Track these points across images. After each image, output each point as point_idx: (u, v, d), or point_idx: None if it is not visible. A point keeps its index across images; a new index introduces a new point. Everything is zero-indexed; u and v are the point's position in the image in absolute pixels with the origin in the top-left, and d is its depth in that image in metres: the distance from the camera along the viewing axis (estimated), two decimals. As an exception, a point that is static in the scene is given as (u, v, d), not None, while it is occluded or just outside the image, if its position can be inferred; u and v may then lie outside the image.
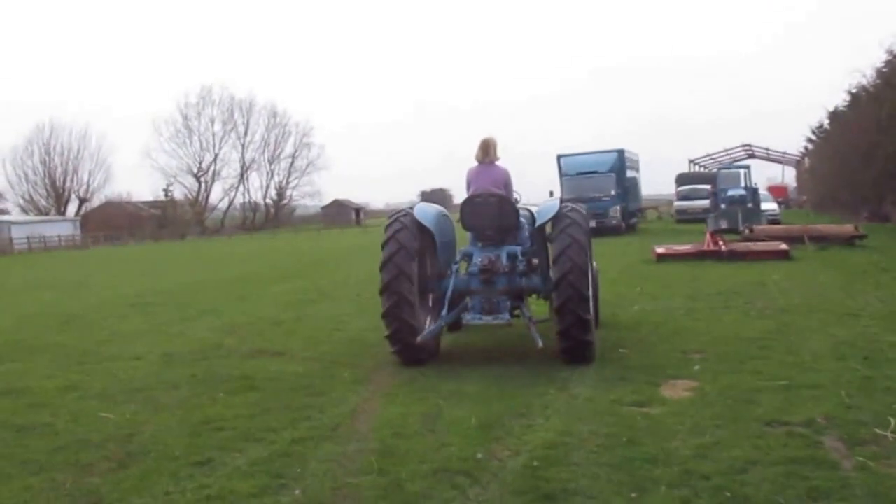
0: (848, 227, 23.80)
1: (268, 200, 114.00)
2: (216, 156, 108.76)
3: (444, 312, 9.37)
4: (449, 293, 9.45)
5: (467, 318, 9.53)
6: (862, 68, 48.93)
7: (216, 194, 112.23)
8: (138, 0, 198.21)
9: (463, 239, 10.38)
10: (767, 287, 15.05)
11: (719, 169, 37.87)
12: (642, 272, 18.52)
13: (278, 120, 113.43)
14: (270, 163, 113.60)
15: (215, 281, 23.57)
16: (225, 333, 12.60)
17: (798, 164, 79.58)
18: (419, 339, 9.10)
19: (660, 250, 20.84)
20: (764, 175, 78.93)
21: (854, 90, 51.97)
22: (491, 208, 9.67)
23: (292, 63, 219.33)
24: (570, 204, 9.63)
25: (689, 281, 16.44)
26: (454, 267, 9.77)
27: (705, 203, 43.95)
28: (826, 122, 63.91)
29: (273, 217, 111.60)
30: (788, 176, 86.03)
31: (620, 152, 38.13)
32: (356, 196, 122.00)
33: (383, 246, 9.44)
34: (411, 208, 9.78)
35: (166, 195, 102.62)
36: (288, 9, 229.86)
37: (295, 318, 13.93)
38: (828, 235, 23.04)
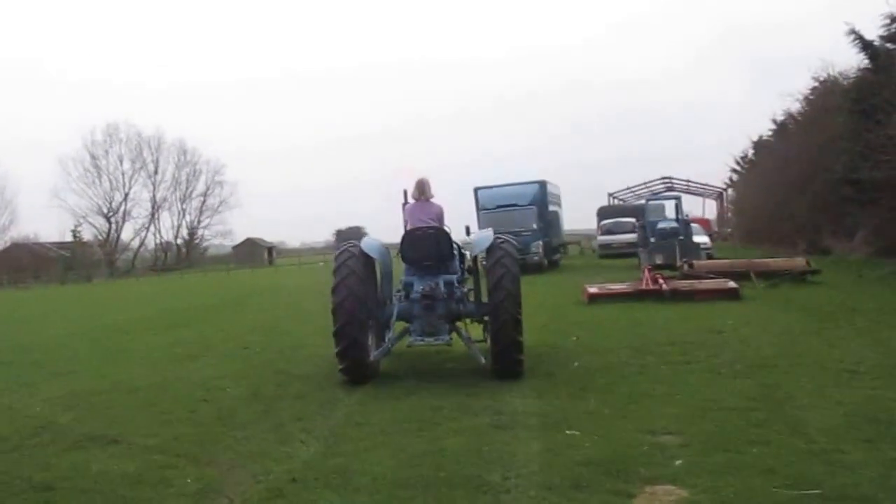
0: (799, 262, 22.13)
1: (179, 240, 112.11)
2: (126, 195, 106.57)
3: (390, 335, 10.99)
4: (394, 318, 10.88)
5: (410, 339, 10.69)
6: (791, 95, 48.29)
7: (127, 234, 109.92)
8: (31, 35, 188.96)
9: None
10: (726, 334, 13.05)
11: (647, 200, 36.17)
12: (575, 317, 16.35)
13: (188, 158, 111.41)
14: (182, 202, 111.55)
15: (93, 330, 20.90)
16: (64, 407, 10.05)
17: (719, 196, 79.51)
18: (372, 357, 10.48)
19: (592, 290, 18.71)
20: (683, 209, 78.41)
21: (781, 118, 51.88)
22: (430, 240, 10.85)
23: (200, 98, 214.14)
24: (502, 237, 10.75)
25: (631, 327, 14.32)
26: (398, 294, 11.09)
27: (630, 237, 42.49)
28: (751, 151, 64.02)
29: (185, 257, 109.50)
30: (709, 209, 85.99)
31: (542, 184, 36.25)
32: (269, 235, 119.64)
33: (335, 272, 10.51)
34: (356, 243, 10.93)
35: (74, 236, 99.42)
36: (195, 40, 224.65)
37: (160, 382, 11.39)
38: (777, 271, 21.29)
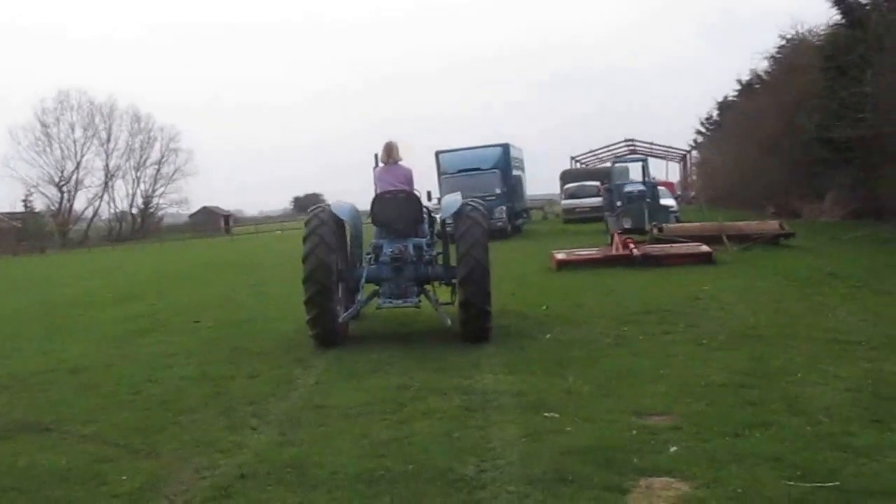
0: (772, 224, 21.72)
1: (134, 209, 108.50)
2: (78, 164, 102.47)
3: (359, 297, 11.03)
4: (363, 280, 10.98)
5: (379, 302, 10.95)
6: (758, 53, 48.02)
7: (80, 204, 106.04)
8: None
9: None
10: (704, 301, 12.55)
11: (613, 163, 35.52)
12: (544, 284, 15.76)
13: (142, 125, 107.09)
14: (136, 170, 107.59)
15: (42, 304, 19.83)
16: (-1, 390, 9.23)
17: (682, 159, 79.32)
18: (340, 319, 10.61)
19: (560, 256, 18.12)
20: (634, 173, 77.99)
21: (747, 78, 51.54)
22: (400, 204, 11.03)
23: (153, 64, 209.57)
24: (470, 202, 10.84)
25: (604, 295, 13.76)
26: (367, 257, 11.31)
27: (595, 201, 41.96)
28: (716, 112, 63.77)
29: (140, 227, 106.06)
30: (672, 172, 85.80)
31: (505, 147, 35.50)
32: (227, 203, 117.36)
33: (305, 240, 10.56)
34: (328, 205, 11.15)
35: (26, 206, 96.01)
36: (147, 6, 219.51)
37: (105, 361, 10.63)
38: (750, 234, 20.82)
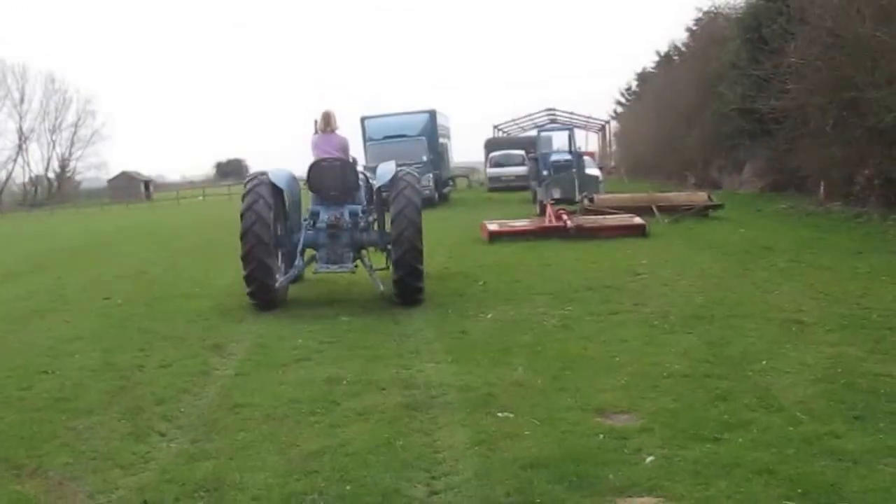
0: (701, 196, 21.19)
1: (50, 174, 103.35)
2: None
3: (297, 262, 11.07)
4: (300, 246, 11.06)
5: (316, 267, 11.10)
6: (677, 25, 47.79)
7: None
8: None
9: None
10: (645, 277, 11.87)
11: (539, 132, 34.73)
12: (476, 257, 14.88)
13: (57, 86, 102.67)
14: (51, 133, 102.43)
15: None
16: None
17: (601, 129, 79.17)
18: (277, 284, 10.61)
19: (492, 227, 17.27)
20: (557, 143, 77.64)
21: (667, 50, 51.27)
22: (335, 171, 11.11)
23: (65, 25, 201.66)
24: (404, 168, 11.16)
25: (540, 269, 12.98)
26: (305, 223, 11.18)
27: (520, 170, 41.28)
28: (635, 83, 63.54)
29: (57, 192, 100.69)
30: (592, 142, 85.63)
31: (432, 114, 34.35)
32: (147, 168, 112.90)
33: (243, 198, 10.68)
34: (264, 173, 10.92)
35: None
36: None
37: (-3, 346, 9.37)
38: (679, 206, 20.26)
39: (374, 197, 11.59)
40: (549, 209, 17.88)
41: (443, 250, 15.63)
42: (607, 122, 75.82)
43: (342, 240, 10.98)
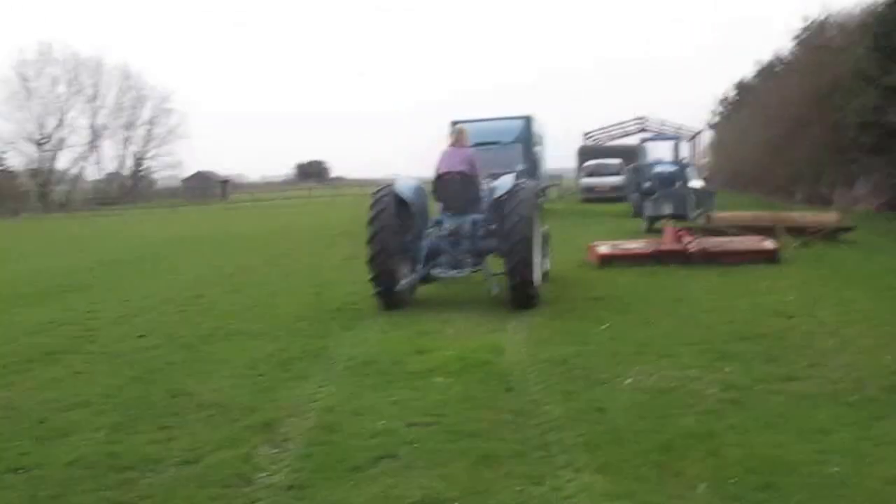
0: (831, 217, 18.40)
1: (124, 172, 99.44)
2: (61, 120, 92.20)
3: (419, 267, 11.64)
4: (424, 251, 11.64)
5: (437, 272, 11.61)
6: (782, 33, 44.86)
7: (64, 164, 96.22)
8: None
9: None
10: (800, 321, 9.46)
11: (642, 140, 32.03)
12: (589, 287, 12.48)
13: (132, 82, 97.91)
14: (126, 130, 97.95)
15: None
16: None
17: (692, 139, 75.72)
18: (398, 286, 11.22)
19: (603, 250, 14.85)
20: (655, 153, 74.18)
21: (770, 59, 48.08)
22: (456, 184, 11.79)
23: (144, 20, 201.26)
24: (522, 182, 11.64)
25: (671, 306, 10.60)
26: (428, 231, 11.87)
27: (615, 180, 38.68)
28: (732, 93, 60.25)
29: (130, 190, 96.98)
30: (682, 152, 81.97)
31: (527, 119, 31.69)
32: (225, 168, 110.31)
33: (371, 206, 11.27)
34: (392, 183, 11.66)
35: None
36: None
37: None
38: (807, 227, 17.58)
39: (495, 207, 11.70)
40: (668, 230, 15.43)
41: (551, 277, 13.29)
42: (700, 131, 72.48)
43: (463, 246, 11.60)
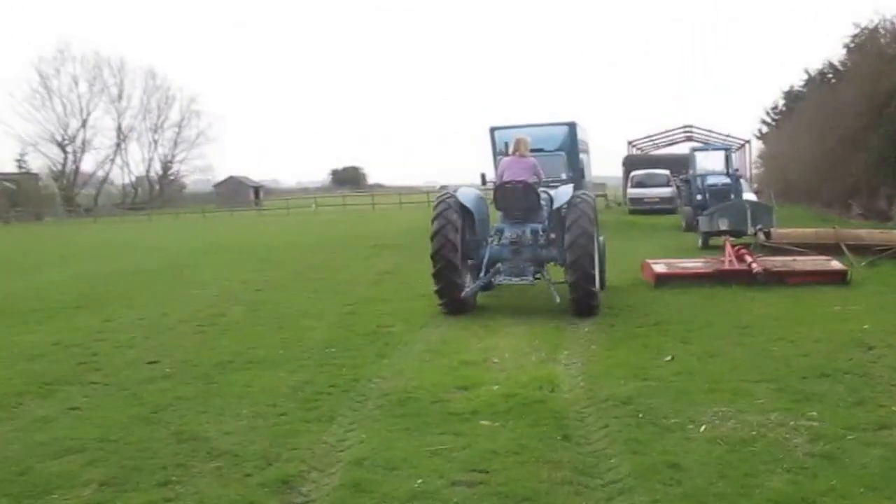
0: (897, 235, 17.37)
1: (152, 175, 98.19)
2: (84, 121, 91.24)
3: (482, 274, 11.95)
4: (486, 260, 11.94)
5: (499, 279, 11.89)
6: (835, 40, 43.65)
7: (89, 167, 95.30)
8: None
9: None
10: (882, 353, 8.65)
11: (693, 150, 31.08)
12: (645, 309, 11.76)
13: (158, 83, 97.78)
14: (153, 132, 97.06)
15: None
16: None
17: (741, 149, 74.27)
18: (463, 294, 11.65)
19: (659, 268, 14.05)
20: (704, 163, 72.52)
21: (821, 68, 46.78)
22: (518, 193, 12.09)
23: (170, 20, 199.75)
24: (581, 193, 12.03)
25: (737, 335, 9.79)
26: (489, 239, 12.19)
27: (664, 191, 37.77)
28: (781, 102, 58.89)
29: (158, 195, 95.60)
30: (721, 163, 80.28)
31: (572, 126, 30.66)
32: (259, 173, 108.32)
33: (433, 221, 11.74)
34: (455, 191, 12.17)
35: (20, 166, 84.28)
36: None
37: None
38: (873, 245, 16.61)
39: (554, 216, 12.14)
40: (728, 247, 14.59)
41: (603, 297, 12.57)
42: (747, 141, 70.98)
43: (524, 255, 11.90)
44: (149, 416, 7.22)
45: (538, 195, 12.20)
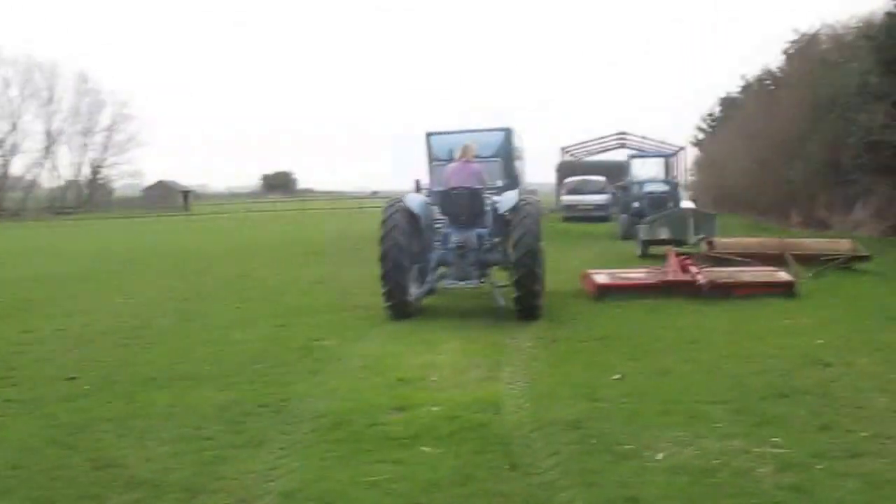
0: (844, 244, 17.34)
1: (81, 179, 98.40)
2: (14, 125, 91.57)
3: (429, 278, 12.58)
4: (432, 264, 12.56)
5: (445, 282, 12.51)
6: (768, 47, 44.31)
7: (18, 171, 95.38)
8: None
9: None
10: (840, 371, 8.44)
11: (630, 157, 31.09)
12: (588, 323, 11.39)
13: (90, 87, 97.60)
14: (83, 136, 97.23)
15: None
16: None
17: (669, 157, 75.01)
18: (412, 297, 12.19)
19: (601, 279, 13.71)
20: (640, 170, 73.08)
21: (759, 74, 47.43)
22: (464, 199, 12.50)
23: (102, 24, 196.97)
24: (526, 197, 12.48)
25: (687, 351, 9.46)
26: (437, 243, 12.68)
27: (599, 199, 37.88)
28: (717, 109, 59.65)
29: (87, 199, 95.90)
30: (660, 170, 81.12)
31: (508, 132, 30.53)
32: (189, 178, 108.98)
33: (382, 224, 12.03)
34: (401, 200, 12.44)
35: None
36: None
37: None
38: (819, 255, 16.57)
39: (499, 221, 12.63)
40: (672, 258, 14.32)
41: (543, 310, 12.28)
42: (682, 148, 71.75)
43: (470, 259, 12.24)
44: (65, 440, 6.67)
45: (483, 200, 12.58)
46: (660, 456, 5.89)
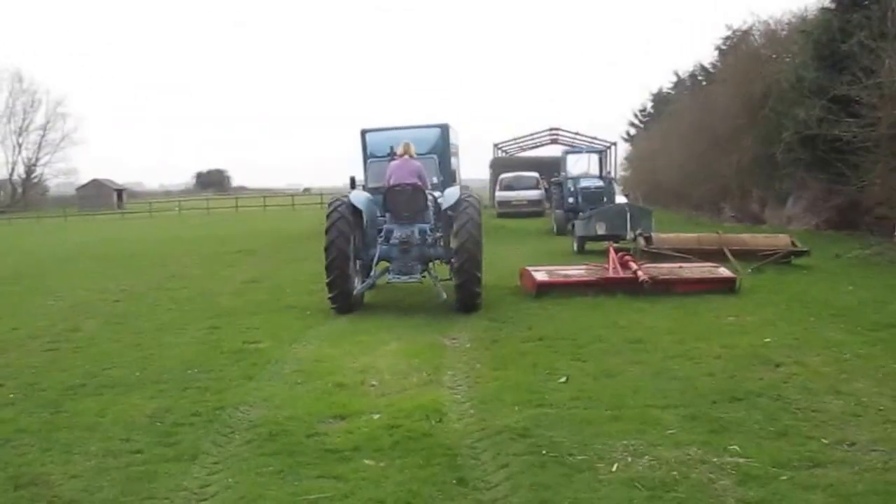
0: (783, 240, 17.36)
1: (15, 177, 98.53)
2: None
3: (372, 273, 12.87)
4: (375, 259, 12.77)
5: (388, 277, 12.79)
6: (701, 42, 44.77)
7: None
8: None
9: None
10: (791, 371, 8.25)
11: (565, 152, 30.97)
12: (527, 322, 11.11)
13: (26, 86, 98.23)
14: (18, 135, 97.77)
15: None
16: None
17: (604, 152, 75.61)
18: (355, 291, 12.58)
19: (540, 276, 13.43)
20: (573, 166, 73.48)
21: (692, 70, 47.89)
22: (407, 195, 12.69)
23: (38, 21, 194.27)
24: (467, 192, 13.16)
25: (631, 351, 9.20)
26: (380, 239, 12.81)
27: (533, 194, 37.85)
28: (650, 104, 60.16)
29: (21, 198, 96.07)
30: (594, 165, 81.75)
31: (444, 128, 30.26)
32: (123, 176, 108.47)
33: (328, 216, 12.38)
34: (346, 196, 12.83)
35: None
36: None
37: None
38: (757, 251, 16.55)
39: (441, 217, 13.05)
40: (612, 254, 14.08)
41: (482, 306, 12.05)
42: (614, 143, 72.32)
43: (412, 254, 12.49)
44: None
45: (426, 196, 12.81)
46: (614, 467, 5.59)
